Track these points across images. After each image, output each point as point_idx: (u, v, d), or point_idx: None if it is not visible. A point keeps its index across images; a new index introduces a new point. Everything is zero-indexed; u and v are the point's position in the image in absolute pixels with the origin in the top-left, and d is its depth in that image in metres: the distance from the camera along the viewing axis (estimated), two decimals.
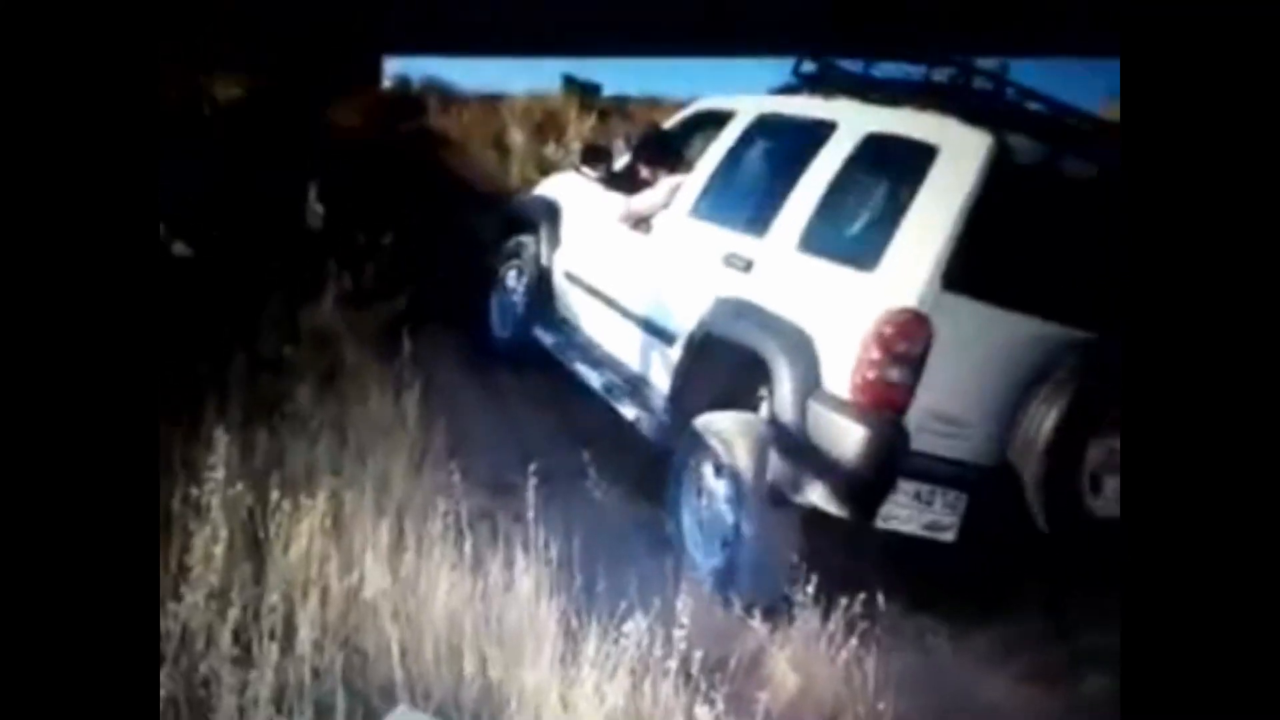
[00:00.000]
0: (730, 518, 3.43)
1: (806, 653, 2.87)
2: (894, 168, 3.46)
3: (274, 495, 2.78)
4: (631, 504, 3.92)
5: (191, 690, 2.34)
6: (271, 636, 2.42)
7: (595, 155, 5.08)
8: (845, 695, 2.80)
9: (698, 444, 3.58)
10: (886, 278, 3.21)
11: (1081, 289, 3.15)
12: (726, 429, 3.48)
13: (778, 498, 3.30)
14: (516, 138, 8.74)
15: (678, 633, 2.56)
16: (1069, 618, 3.63)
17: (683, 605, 2.61)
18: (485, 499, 3.39)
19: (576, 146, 8.36)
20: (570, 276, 4.90)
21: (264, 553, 2.72)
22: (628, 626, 2.58)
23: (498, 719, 2.45)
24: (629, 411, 4.08)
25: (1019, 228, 3.20)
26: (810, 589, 2.97)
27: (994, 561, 3.45)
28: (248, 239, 4.75)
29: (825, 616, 2.93)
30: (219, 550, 2.58)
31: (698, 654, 2.56)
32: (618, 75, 10.42)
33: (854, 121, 3.70)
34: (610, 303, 4.51)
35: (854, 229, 3.48)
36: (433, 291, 5.02)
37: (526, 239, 5.25)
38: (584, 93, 10.38)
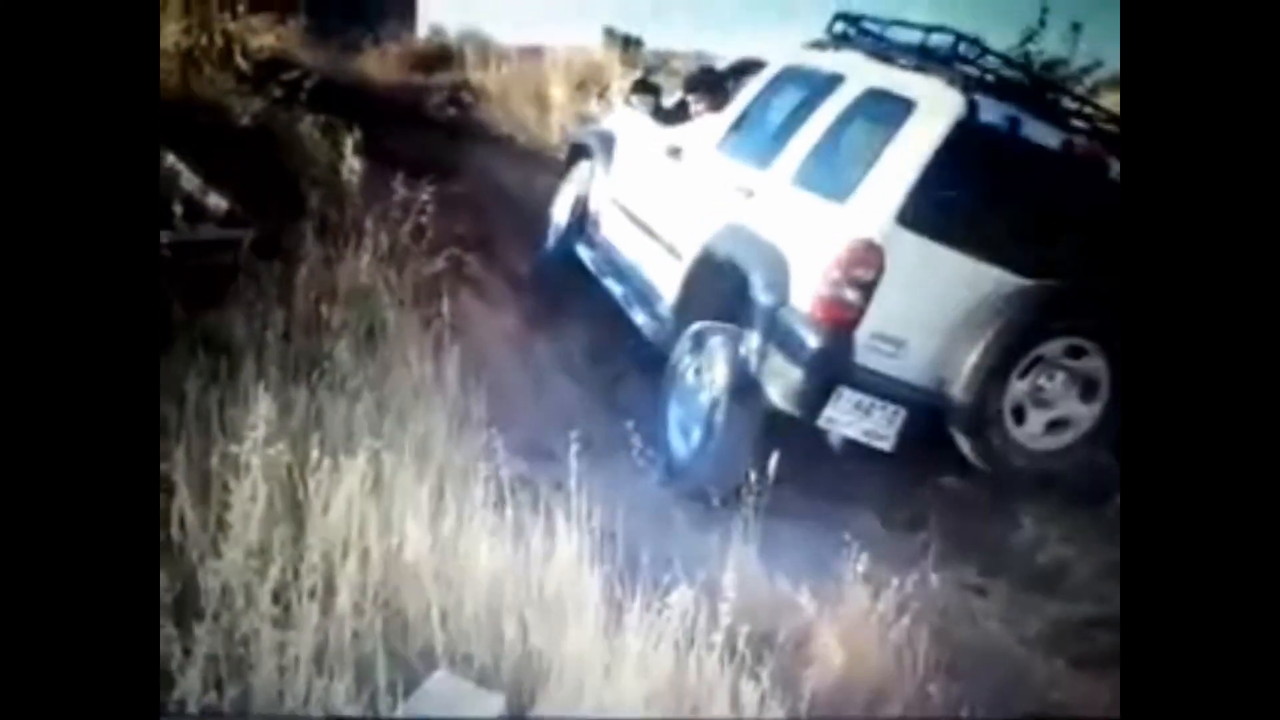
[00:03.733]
0: (704, 412, 4.04)
1: (855, 631, 2.91)
2: (881, 118, 3.96)
3: (314, 455, 2.86)
4: None
5: (231, 648, 2.43)
6: (311, 596, 2.51)
7: (645, 89, 5.67)
8: (894, 676, 2.85)
9: (687, 348, 4.22)
10: (853, 211, 3.75)
11: (1025, 239, 3.71)
12: (709, 335, 4.10)
13: (741, 396, 3.88)
14: (556, 92, 8.73)
15: (723, 606, 2.62)
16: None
17: (729, 579, 2.67)
18: (526, 466, 3.45)
19: (619, 102, 8.43)
20: (614, 200, 5.49)
21: (303, 513, 2.80)
22: (672, 598, 2.65)
23: (539, 687, 2.52)
24: (639, 318, 4.75)
25: (977, 179, 3.70)
26: (860, 567, 3.03)
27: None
28: (284, 192, 4.82)
29: (875, 596, 2.98)
30: (258, 509, 2.68)
31: (744, 628, 2.62)
32: (660, 29, 10.36)
33: (859, 76, 4.26)
34: (640, 223, 5.09)
35: (838, 168, 3.99)
36: (472, 251, 5.06)
37: (584, 164, 5.89)
38: (626, 46, 10.35)
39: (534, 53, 9.38)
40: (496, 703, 2.45)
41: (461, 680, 2.51)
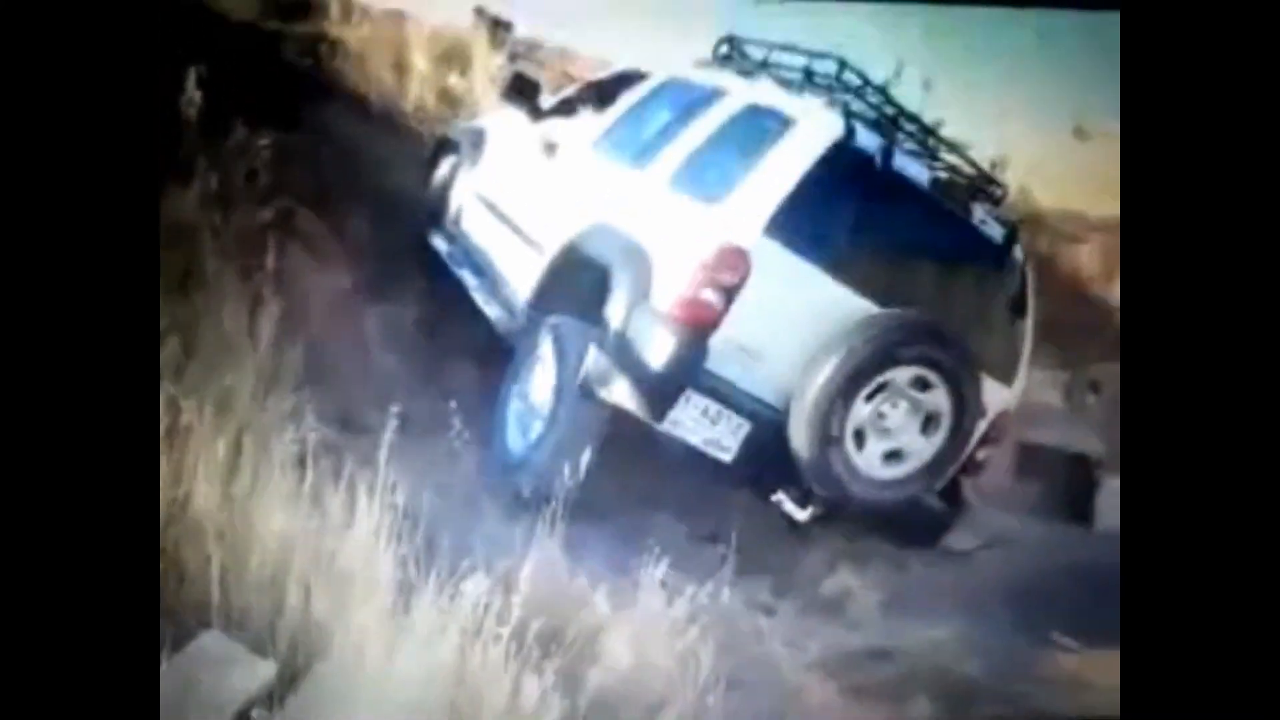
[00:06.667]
0: (548, 407, 3.96)
1: (645, 635, 2.96)
2: (760, 131, 4.01)
3: None
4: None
5: None
6: None
7: (521, 88, 5.47)
8: (677, 683, 2.90)
9: (538, 341, 4.16)
10: (725, 215, 3.78)
11: (886, 270, 3.82)
12: (562, 329, 4.05)
13: (588, 391, 3.80)
14: (419, 61, 8.54)
15: (515, 598, 2.62)
16: (904, 640, 3.87)
17: (527, 572, 2.67)
18: (334, 435, 3.37)
19: (481, 82, 8.36)
20: (478, 195, 5.43)
21: None
22: (467, 585, 2.63)
23: (315, 657, 2.46)
24: (491, 311, 4.70)
25: (847, 204, 3.81)
26: (658, 573, 3.08)
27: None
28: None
29: (669, 603, 3.04)
30: None
31: (535, 623, 2.63)
32: (532, 18, 10.30)
33: (742, 92, 4.35)
34: (504, 217, 5.04)
35: (714, 174, 4.02)
36: (305, 205, 4.90)
37: (450, 158, 5.86)
38: (494, 27, 10.26)
39: (397, 16, 9.15)
40: (266, 669, 2.38)
41: (233, 642, 2.42)
